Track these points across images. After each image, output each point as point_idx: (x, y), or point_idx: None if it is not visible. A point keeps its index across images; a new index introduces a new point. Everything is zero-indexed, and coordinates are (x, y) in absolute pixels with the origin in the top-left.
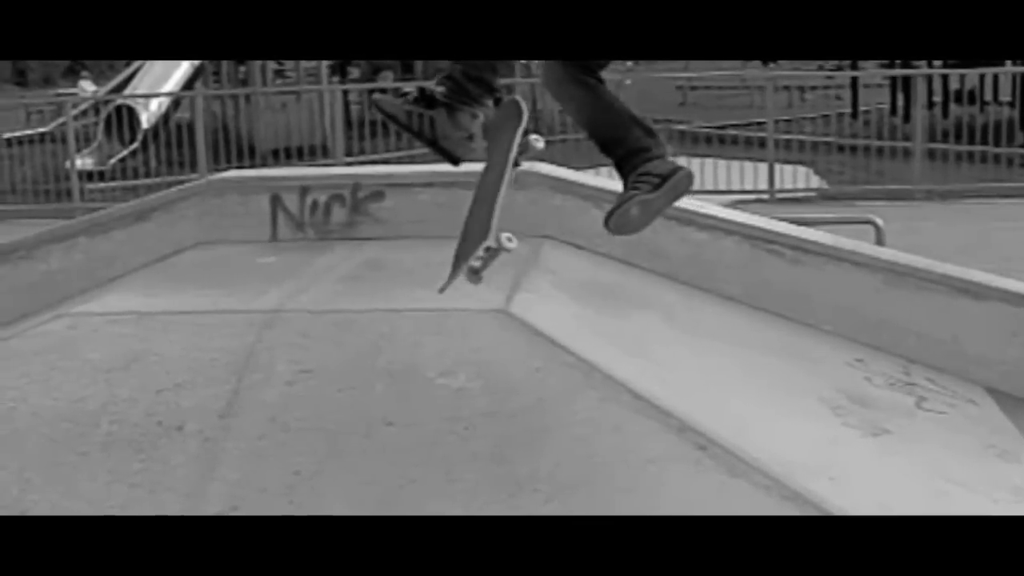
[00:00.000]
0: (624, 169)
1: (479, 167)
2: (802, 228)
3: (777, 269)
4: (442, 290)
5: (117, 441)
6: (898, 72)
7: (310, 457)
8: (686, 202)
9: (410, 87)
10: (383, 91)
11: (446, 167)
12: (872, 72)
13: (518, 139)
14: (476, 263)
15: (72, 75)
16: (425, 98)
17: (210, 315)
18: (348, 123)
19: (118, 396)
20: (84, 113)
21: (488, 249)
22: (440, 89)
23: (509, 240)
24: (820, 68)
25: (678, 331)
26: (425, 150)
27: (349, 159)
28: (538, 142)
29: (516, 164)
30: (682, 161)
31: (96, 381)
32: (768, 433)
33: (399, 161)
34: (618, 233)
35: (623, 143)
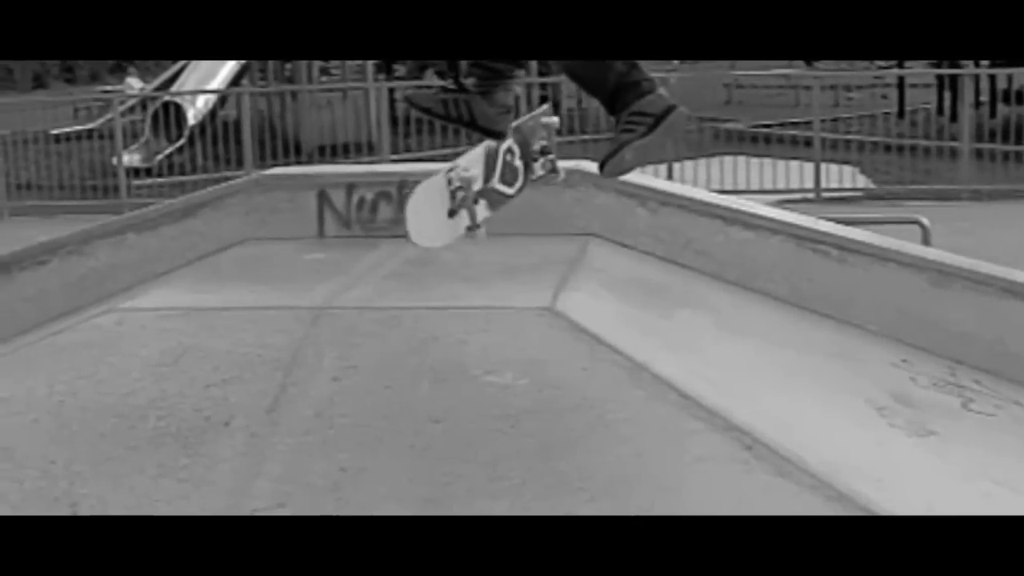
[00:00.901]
0: (615, 107)
1: None
2: (848, 228)
3: (823, 269)
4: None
5: (165, 436)
6: (945, 71)
7: (356, 453)
8: (732, 201)
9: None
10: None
11: None
12: (919, 72)
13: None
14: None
15: (119, 72)
16: (457, 86)
17: (257, 311)
18: (394, 120)
19: (166, 391)
20: (131, 110)
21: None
22: (471, 80)
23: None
24: (867, 67)
25: (724, 330)
26: (470, 147)
27: (395, 156)
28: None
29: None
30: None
31: (144, 376)
32: (814, 433)
33: (445, 159)
34: (611, 176)
35: (606, 81)
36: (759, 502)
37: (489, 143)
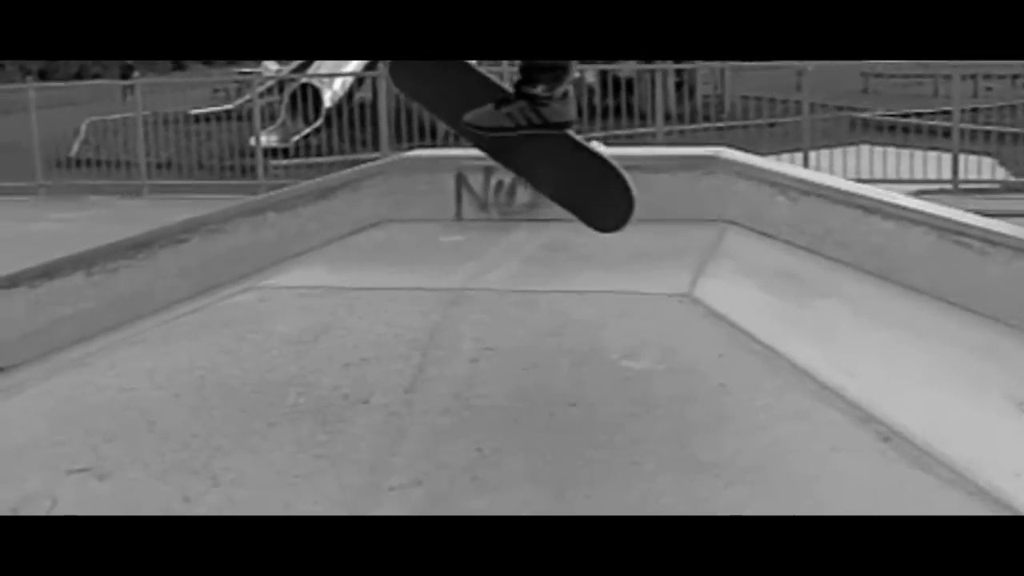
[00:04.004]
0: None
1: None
2: (990, 220)
3: (964, 261)
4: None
5: (304, 412)
6: None
7: (493, 435)
8: (873, 190)
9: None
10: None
11: (629, 151)
12: None
13: None
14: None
15: None
16: (515, 94)
17: (396, 291)
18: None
19: (305, 368)
20: (269, 91)
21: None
22: (540, 87)
23: None
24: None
25: (863, 321)
26: (605, 132)
27: None
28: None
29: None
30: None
31: (284, 353)
32: (953, 427)
33: None
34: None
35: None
36: (895, 495)
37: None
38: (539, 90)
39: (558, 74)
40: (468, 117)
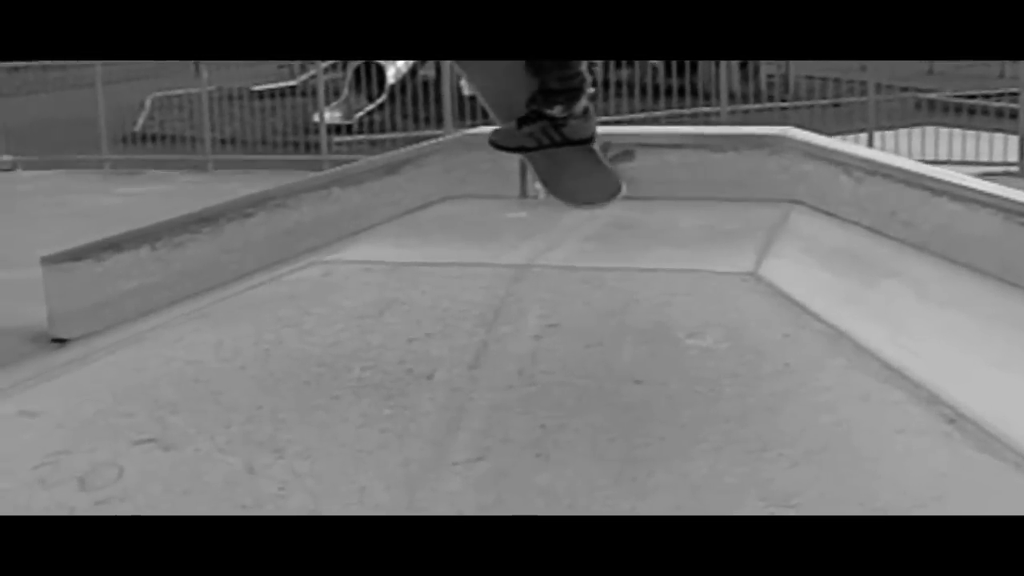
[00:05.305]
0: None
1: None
2: None
3: None
4: None
5: (368, 387)
6: None
7: (556, 411)
8: (939, 171)
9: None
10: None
11: (696, 129)
12: None
13: None
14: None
15: None
16: (535, 114)
17: (460, 267)
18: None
19: (370, 343)
20: (332, 67)
21: None
22: (557, 109)
23: None
24: None
25: (929, 302)
26: (669, 112)
27: None
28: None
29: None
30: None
31: (349, 327)
32: (1020, 411)
33: (642, 122)
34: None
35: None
36: (960, 477)
37: None
38: (557, 111)
39: (574, 94)
40: (493, 136)
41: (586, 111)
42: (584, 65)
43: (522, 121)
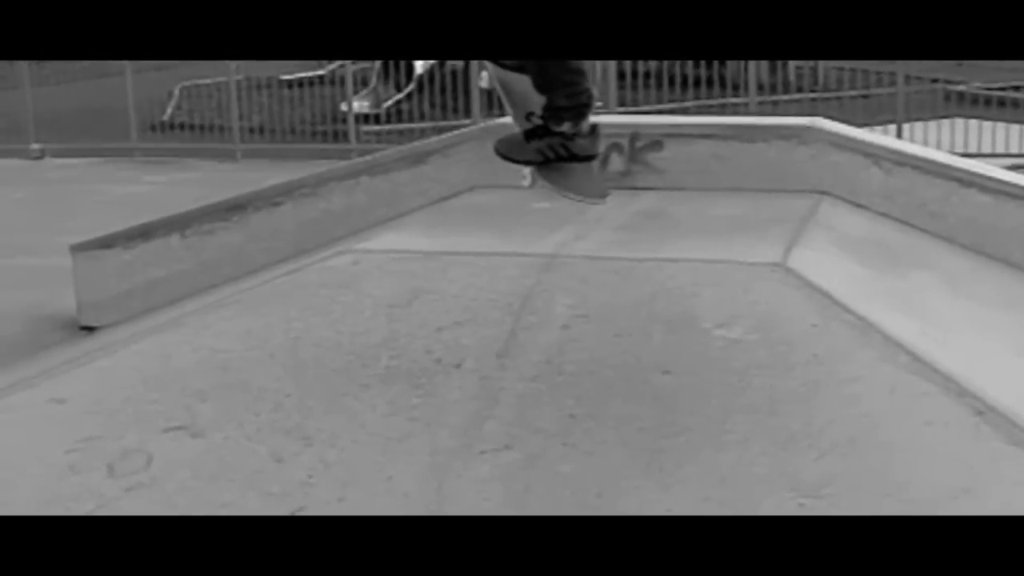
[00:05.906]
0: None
1: (757, 121)
2: None
3: None
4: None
5: (397, 375)
6: None
7: (585, 401)
8: (969, 163)
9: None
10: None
11: (724, 120)
12: None
13: None
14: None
15: None
16: (543, 129)
17: (488, 257)
18: (620, 74)
19: (398, 332)
20: None
21: None
22: (566, 126)
23: None
24: None
25: (958, 294)
26: (697, 102)
27: (620, 109)
28: None
29: None
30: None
31: (377, 316)
32: None
33: (671, 112)
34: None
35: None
36: (989, 470)
37: None
38: (565, 128)
39: (581, 111)
40: (499, 146)
41: (594, 129)
42: (591, 83)
43: (529, 135)
